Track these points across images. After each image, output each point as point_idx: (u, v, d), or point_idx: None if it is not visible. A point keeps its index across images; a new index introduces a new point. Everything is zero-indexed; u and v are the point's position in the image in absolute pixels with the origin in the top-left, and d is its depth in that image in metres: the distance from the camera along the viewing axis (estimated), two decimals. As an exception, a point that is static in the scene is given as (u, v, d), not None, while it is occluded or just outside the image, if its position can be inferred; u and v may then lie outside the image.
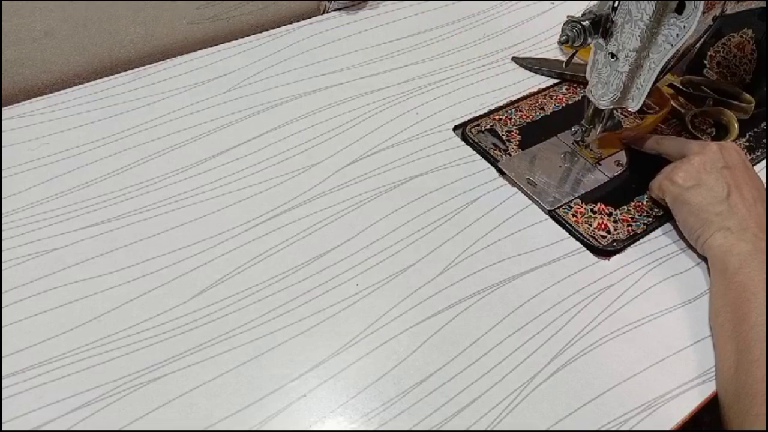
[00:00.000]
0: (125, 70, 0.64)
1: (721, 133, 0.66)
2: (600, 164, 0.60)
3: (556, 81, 0.69)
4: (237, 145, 0.58)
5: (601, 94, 0.55)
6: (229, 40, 0.68)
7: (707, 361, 0.48)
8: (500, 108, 0.65)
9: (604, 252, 0.54)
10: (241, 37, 0.69)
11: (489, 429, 0.43)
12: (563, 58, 0.71)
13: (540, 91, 0.68)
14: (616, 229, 0.55)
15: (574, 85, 0.69)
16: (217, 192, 0.54)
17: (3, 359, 0.42)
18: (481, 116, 0.64)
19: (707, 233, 0.52)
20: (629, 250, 0.55)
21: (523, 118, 0.64)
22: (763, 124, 0.67)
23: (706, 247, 0.52)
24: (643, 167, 0.60)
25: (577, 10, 0.57)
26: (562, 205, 0.56)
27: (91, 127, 0.58)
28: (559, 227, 0.55)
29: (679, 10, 0.47)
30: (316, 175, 0.57)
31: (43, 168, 0.54)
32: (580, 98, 0.67)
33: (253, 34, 0.70)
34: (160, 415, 0.41)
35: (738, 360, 0.45)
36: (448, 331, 0.47)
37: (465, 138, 0.62)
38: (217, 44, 0.68)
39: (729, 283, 0.49)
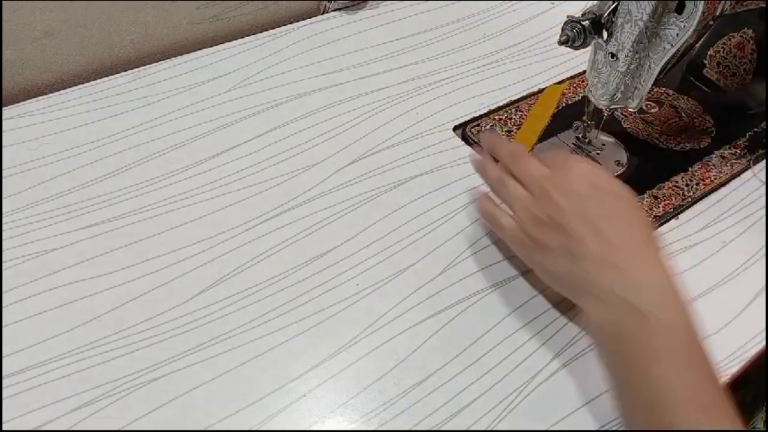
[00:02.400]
0: (125, 70, 0.64)
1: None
2: (600, 164, 0.60)
3: (555, 81, 0.69)
4: (237, 145, 0.58)
5: (601, 94, 0.55)
6: (229, 40, 0.68)
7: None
8: (500, 108, 0.65)
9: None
10: (241, 37, 0.69)
11: (489, 429, 0.43)
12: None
13: (540, 91, 0.67)
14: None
15: (574, 85, 0.69)
16: (217, 192, 0.54)
17: (3, 359, 0.42)
18: (481, 116, 0.64)
19: (575, 301, 0.43)
20: (629, 250, 0.55)
21: (523, 118, 0.64)
22: (763, 124, 0.67)
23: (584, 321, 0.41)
24: (644, 167, 0.60)
25: (577, 10, 0.57)
26: (562, 205, 0.56)
27: (91, 127, 0.58)
28: (559, 227, 0.55)
29: (679, 10, 0.47)
30: (316, 175, 0.57)
31: (43, 168, 0.54)
32: (580, 98, 0.67)
33: (253, 34, 0.70)
34: (160, 415, 0.41)
35: None
36: (448, 331, 0.47)
37: (465, 138, 0.62)
38: (217, 44, 0.68)
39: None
